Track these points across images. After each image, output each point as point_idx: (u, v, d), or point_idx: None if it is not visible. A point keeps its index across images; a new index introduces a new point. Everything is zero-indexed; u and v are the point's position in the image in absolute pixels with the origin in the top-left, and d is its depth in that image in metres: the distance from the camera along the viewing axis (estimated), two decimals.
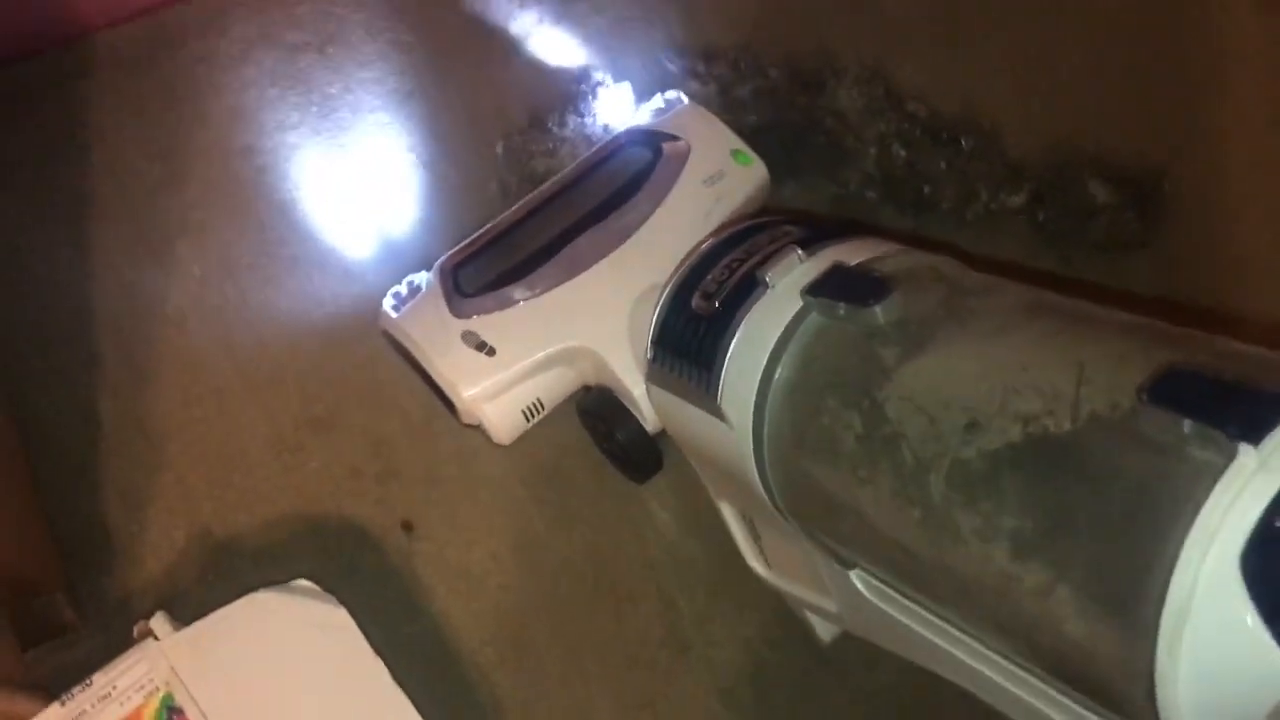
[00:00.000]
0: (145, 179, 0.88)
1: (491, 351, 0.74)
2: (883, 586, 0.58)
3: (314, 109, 0.90)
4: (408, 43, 0.92)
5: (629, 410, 0.74)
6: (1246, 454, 0.37)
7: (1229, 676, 0.38)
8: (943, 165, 0.87)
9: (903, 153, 0.87)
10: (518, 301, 0.75)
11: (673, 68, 0.90)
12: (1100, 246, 0.86)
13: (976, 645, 0.51)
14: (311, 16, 0.93)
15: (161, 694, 0.65)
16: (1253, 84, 0.94)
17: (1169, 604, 0.38)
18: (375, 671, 0.68)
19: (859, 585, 0.60)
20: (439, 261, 0.78)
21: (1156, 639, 0.38)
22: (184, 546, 0.78)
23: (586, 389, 0.77)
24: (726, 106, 0.88)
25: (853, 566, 0.60)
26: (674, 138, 0.80)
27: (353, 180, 0.88)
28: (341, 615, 0.69)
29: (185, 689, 0.65)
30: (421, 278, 0.78)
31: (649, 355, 0.67)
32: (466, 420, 0.76)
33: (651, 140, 0.81)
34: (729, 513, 0.72)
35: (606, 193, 0.79)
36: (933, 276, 0.57)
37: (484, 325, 0.75)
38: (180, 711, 0.65)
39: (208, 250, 0.86)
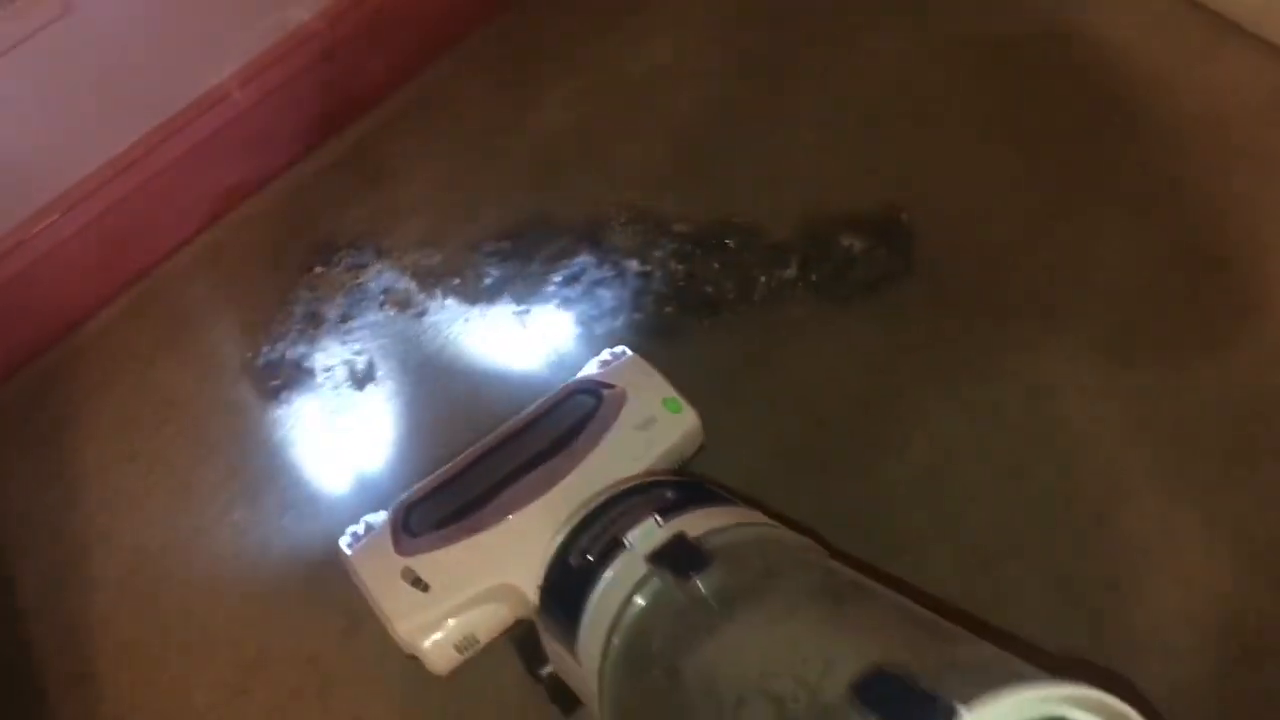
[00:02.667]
0: (47, 506, 0.97)
1: (426, 588, 0.80)
2: None
3: (167, 409, 1.01)
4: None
5: None
6: None
7: None
8: (716, 266, 0.99)
9: (680, 267, 0.99)
10: (455, 541, 0.81)
11: (478, 253, 1.04)
12: (868, 285, 0.99)
13: None
14: (152, 329, 1.05)
15: None
16: (957, 112, 1.10)
17: None
18: None
19: None
20: (395, 502, 0.86)
21: None
22: None
23: (519, 621, 0.82)
24: (529, 274, 1.01)
25: None
26: (612, 387, 0.88)
27: (199, 456, 0.99)
28: None
29: None
30: (377, 517, 0.86)
31: (538, 602, 0.75)
32: (406, 651, 0.82)
33: (592, 389, 0.89)
34: None
35: (548, 439, 0.85)
36: (756, 552, 0.66)
37: (422, 563, 0.81)
38: None
39: (119, 549, 0.95)
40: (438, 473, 0.87)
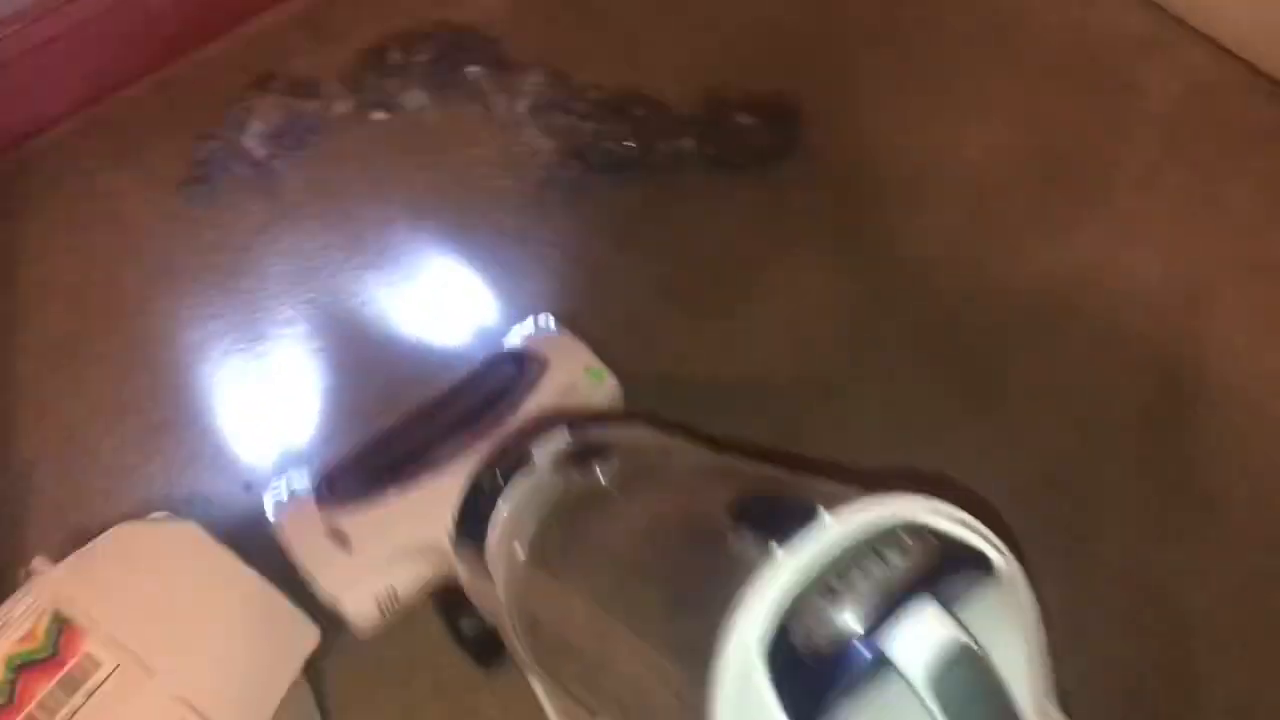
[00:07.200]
0: None
1: (348, 544, 0.82)
2: None
3: (109, 216, 1.09)
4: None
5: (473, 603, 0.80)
6: (777, 553, 0.45)
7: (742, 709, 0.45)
8: (621, 130, 1.10)
9: (588, 127, 1.10)
10: (376, 499, 0.83)
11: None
12: (755, 159, 1.10)
13: None
14: (99, 146, 1.14)
15: (50, 613, 0.77)
16: (847, 24, 1.21)
17: (716, 671, 0.45)
18: (230, 564, 0.82)
19: None
20: (317, 466, 0.89)
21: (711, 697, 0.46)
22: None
23: (443, 581, 0.82)
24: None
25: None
26: (535, 356, 0.91)
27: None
28: (195, 528, 0.83)
29: (71, 604, 0.77)
30: (301, 478, 0.88)
31: (451, 532, 0.77)
32: (329, 607, 0.82)
33: (515, 358, 0.91)
34: (538, 687, 0.77)
35: (470, 405, 0.87)
36: (653, 446, 0.70)
37: (345, 521, 0.83)
38: (68, 622, 0.77)
39: (50, 325, 1.04)
40: (361, 439, 0.90)
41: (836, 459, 0.94)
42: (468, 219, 1.07)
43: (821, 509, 0.46)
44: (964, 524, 0.48)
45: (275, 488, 0.87)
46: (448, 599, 0.83)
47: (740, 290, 1.04)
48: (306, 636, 0.81)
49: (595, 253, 1.06)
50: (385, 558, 0.81)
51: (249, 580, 0.81)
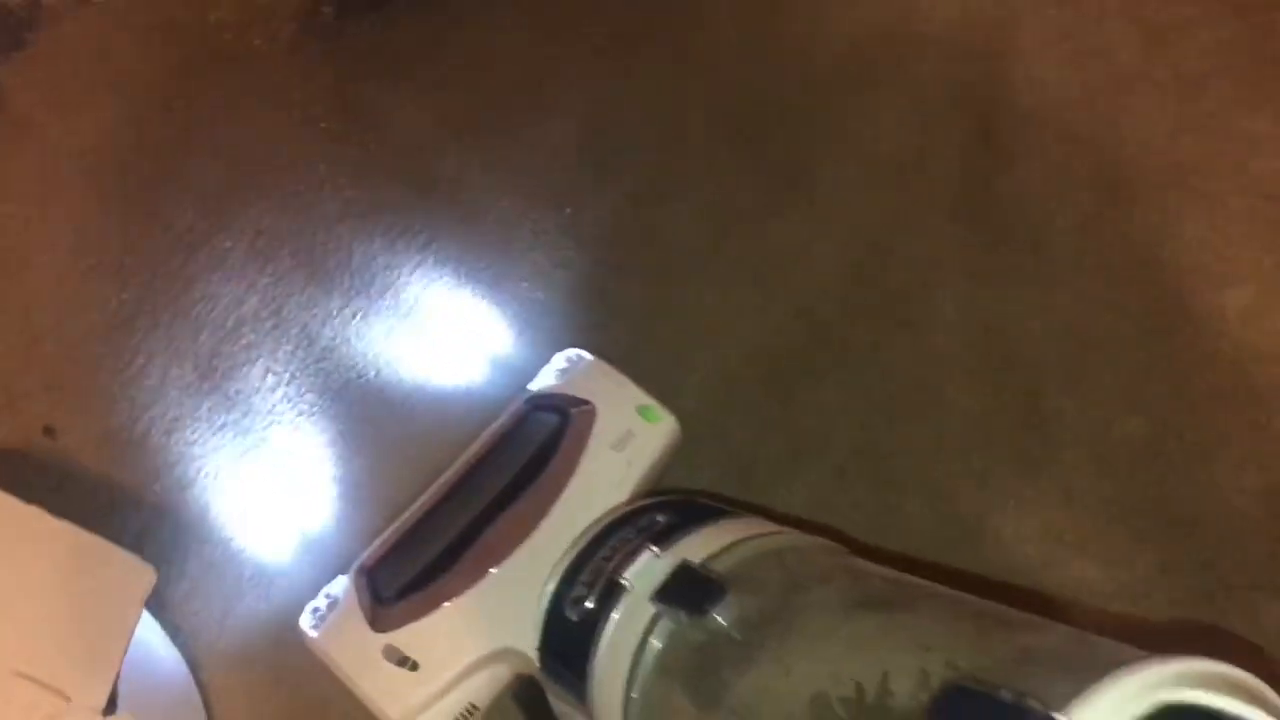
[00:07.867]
0: None
1: (414, 666, 0.70)
2: None
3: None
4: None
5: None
6: None
7: None
8: None
9: None
10: (436, 606, 0.71)
11: None
12: None
13: None
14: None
15: None
16: None
17: None
18: (41, 521, 0.75)
19: None
20: (355, 565, 0.76)
21: None
22: None
23: (519, 676, 0.73)
24: None
25: None
26: (579, 401, 0.78)
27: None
28: None
29: None
30: (338, 586, 0.76)
31: (539, 663, 0.68)
32: None
33: (556, 405, 0.79)
34: None
35: (514, 469, 0.76)
36: (773, 566, 0.60)
37: (405, 638, 0.71)
38: None
39: None
40: (397, 523, 0.77)
41: (660, 269, 0.92)
42: (225, 95, 0.98)
43: (1056, 718, 0.36)
44: (1240, 690, 0.37)
45: (312, 605, 0.75)
46: (535, 701, 0.72)
47: (531, 107, 0.98)
48: (140, 577, 0.76)
49: (365, 98, 0.98)
50: (458, 674, 0.71)
51: (65, 534, 0.76)
